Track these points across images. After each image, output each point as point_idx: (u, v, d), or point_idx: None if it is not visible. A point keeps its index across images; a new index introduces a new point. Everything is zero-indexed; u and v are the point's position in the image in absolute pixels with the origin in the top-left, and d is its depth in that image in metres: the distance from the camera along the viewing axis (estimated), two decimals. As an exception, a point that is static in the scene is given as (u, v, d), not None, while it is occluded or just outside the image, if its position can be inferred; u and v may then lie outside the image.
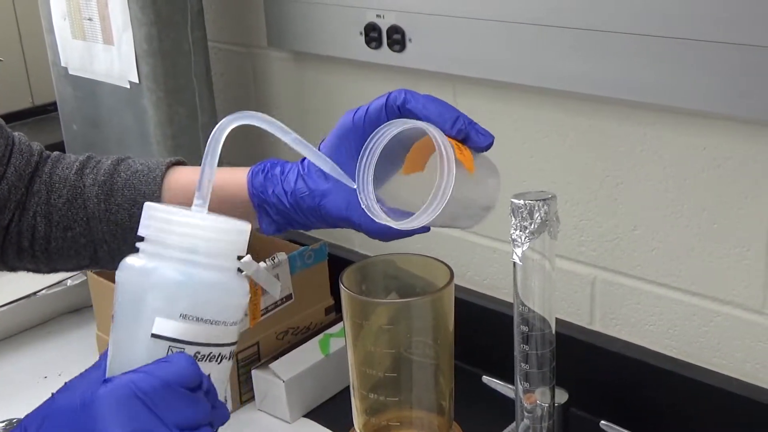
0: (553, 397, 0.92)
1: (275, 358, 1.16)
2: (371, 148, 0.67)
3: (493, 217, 1.15)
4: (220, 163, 0.62)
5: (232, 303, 0.59)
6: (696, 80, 0.92)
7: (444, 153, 0.64)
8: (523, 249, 0.84)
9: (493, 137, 0.72)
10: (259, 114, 0.61)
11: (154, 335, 0.56)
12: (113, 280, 1.16)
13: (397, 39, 1.16)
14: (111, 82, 1.36)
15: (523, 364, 0.90)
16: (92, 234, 0.86)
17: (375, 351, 0.68)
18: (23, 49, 1.77)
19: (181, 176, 0.86)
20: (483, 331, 1.18)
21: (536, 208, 0.83)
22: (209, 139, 0.60)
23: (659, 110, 0.99)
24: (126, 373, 0.55)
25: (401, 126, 0.66)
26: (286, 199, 0.77)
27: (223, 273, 0.58)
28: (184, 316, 0.56)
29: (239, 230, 0.59)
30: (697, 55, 0.91)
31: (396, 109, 0.71)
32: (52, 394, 0.58)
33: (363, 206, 0.67)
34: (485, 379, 1.11)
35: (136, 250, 0.80)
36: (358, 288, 0.70)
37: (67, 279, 1.41)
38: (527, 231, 0.84)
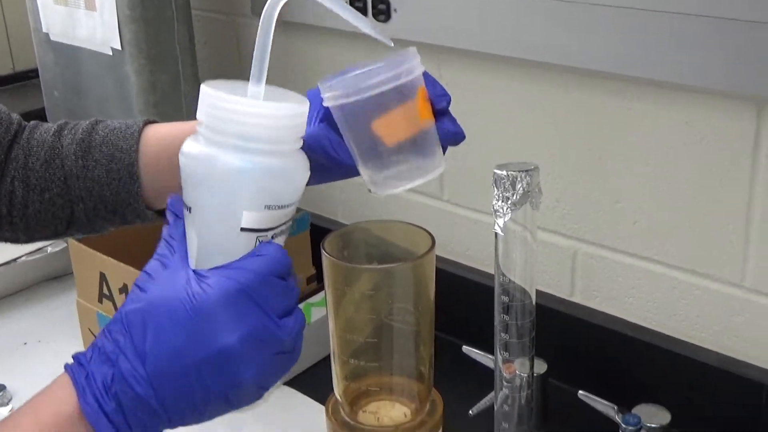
0: (532, 367, 0.93)
1: (256, 326, 1.16)
2: None
3: (476, 188, 1.15)
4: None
5: (302, 184, 0.60)
6: (681, 54, 0.92)
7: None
8: (505, 220, 0.85)
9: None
10: None
11: (243, 229, 0.57)
12: (94, 247, 1.17)
13: (382, 9, 1.16)
14: (93, 49, 1.35)
15: (503, 334, 0.90)
16: (69, 193, 0.86)
17: (356, 317, 0.68)
18: (4, 15, 1.76)
19: (160, 130, 0.86)
20: (464, 302, 1.18)
21: (519, 178, 0.84)
22: (262, 16, 0.58)
23: (644, 84, 0.99)
24: (222, 268, 0.56)
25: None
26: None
27: (293, 157, 0.59)
28: (268, 207, 0.57)
29: (304, 111, 0.59)
30: (683, 29, 0.91)
31: None
32: (136, 285, 0.58)
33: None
34: (465, 349, 1.11)
35: (112, 213, 0.79)
36: (340, 254, 0.70)
37: (47, 246, 1.40)
38: (509, 202, 0.84)
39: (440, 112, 0.67)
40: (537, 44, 1.04)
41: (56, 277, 1.45)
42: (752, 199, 0.95)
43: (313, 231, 1.28)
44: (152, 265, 0.59)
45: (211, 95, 0.57)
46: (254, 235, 0.58)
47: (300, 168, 0.60)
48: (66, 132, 0.87)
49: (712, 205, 0.98)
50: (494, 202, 0.85)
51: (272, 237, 0.59)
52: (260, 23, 0.59)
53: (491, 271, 1.19)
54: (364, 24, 0.65)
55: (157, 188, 0.86)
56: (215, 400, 0.56)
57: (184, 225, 0.60)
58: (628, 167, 1.04)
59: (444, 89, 0.68)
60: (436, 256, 0.74)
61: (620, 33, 0.96)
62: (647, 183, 1.03)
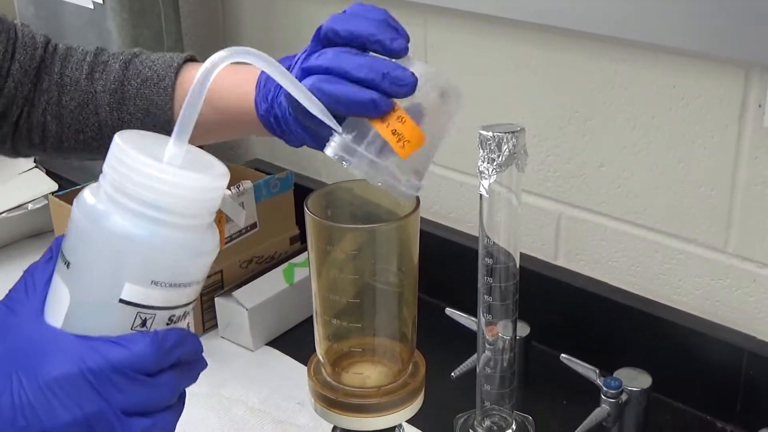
0: (515, 330, 0.93)
1: (239, 286, 1.15)
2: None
3: (461, 151, 1.14)
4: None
5: (206, 262, 0.55)
6: (669, 16, 0.91)
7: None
8: (490, 181, 0.84)
9: (411, 79, 0.65)
10: (252, 50, 0.56)
11: (122, 300, 0.52)
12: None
13: (368, -34, 1.14)
14: (74, 2, 1.32)
15: (486, 296, 0.90)
16: (104, 139, 0.86)
17: (339, 277, 0.67)
18: (-17, -34, 1.72)
19: (190, 81, 0.84)
20: (447, 264, 1.18)
21: (504, 140, 0.83)
22: (194, 82, 0.54)
23: (631, 46, 0.98)
24: (79, 341, 0.51)
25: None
26: (309, 140, 0.73)
27: (199, 233, 0.54)
28: (156, 283, 0.52)
29: (218, 186, 0.54)
30: (672, -10, 0.90)
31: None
32: None
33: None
34: (448, 311, 1.11)
35: None
36: (324, 213, 0.69)
37: (28, 203, 1.39)
38: (495, 163, 0.84)
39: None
40: (525, 5, 1.02)
41: (37, 234, 1.43)
42: (737, 165, 0.95)
43: (297, 190, 1.28)
44: (14, 293, 0.54)
45: (120, 149, 0.51)
46: (134, 310, 0.52)
47: (202, 247, 0.54)
48: (98, 75, 0.86)
49: (696, 169, 0.98)
50: (479, 164, 0.84)
51: (171, 320, 0.54)
52: (193, 84, 0.54)
53: (475, 233, 1.19)
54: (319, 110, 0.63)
55: (194, 140, 0.85)
56: None
57: (54, 268, 0.54)
58: (614, 130, 1.03)
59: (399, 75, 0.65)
60: (421, 218, 0.74)
61: (609, -6, 0.95)
62: (632, 146, 1.02)
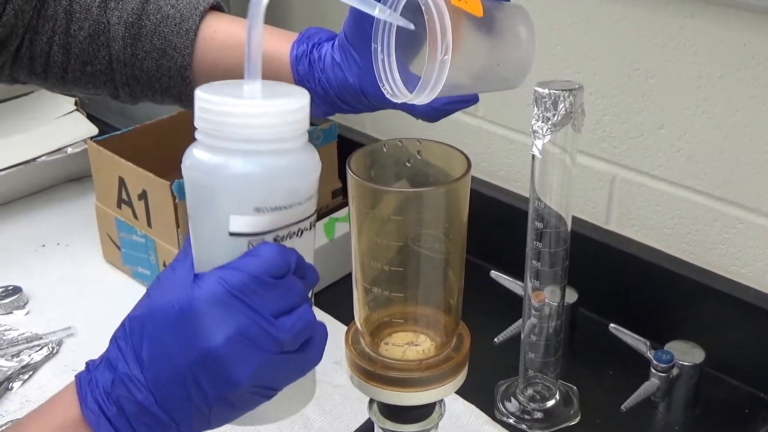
0: (563, 297, 0.89)
1: (278, 240, 1.12)
2: (383, 37, 0.61)
3: (512, 106, 1.09)
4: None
5: (305, 181, 0.56)
6: (743, -31, 0.85)
7: (433, 10, 0.57)
8: (544, 141, 0.80)
9: None
10: None
11: (232, 233, 0.54)
12: (114, 151, 1.13)
13: None
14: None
15: (534, 262, 0.86)
16: (113, 74, 0.82)
17: (382, 242, 0.63)
18: None
19: (218, 27, 0.80)
20: (494, 224, 1.14)
21: (561, 98, 0.78)
22: (249, 7, 0.54)
23: (699, 0, 0.92)
24: (216, 270, 0.54)
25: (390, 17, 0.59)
26: (332, 91, 0.73)
27: (290, 155, 0.55)
28: (258, 209, 0.54)
29: (301, 106, 0.55)
30: (748, -59, 0.84)
31: None
32: (147, 290, 0.57)
33: (388, 95, 0.62)
34: (493, 274, 1.08)
35: (159, 96, 0.79)
36: (367, 174, 0.65)
37: (67, 147, 1.37)
38: (549, 122, 0.79)
39: None
40: (587, -46, 0.97)
41: (77, 179, 1.41)
42: (809, 131, 0.89)
43: (340, 142, 1.24)
44: (165, 270, 0.57)
45: (203, 100, 0.53)
46: (245, 239, 0.55)
47: (298, 166, 0.55)
48: (113, 5, 0.81)
49: (763, 135, 0.92)
50: (533, 122, 0.80)
51: (278, 239, 0.56)
52: (249, 12, 0.54)
53: (524, 193, 1.14)
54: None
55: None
56: (216, 404, 0.54)
57: None
58: (676, 90, 0.97)
59: None
60: (467, 175, 0.70)
61: (679, -56, 0.89)
62: (695, 107, 0.97)
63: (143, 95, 0.84)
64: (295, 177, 0.55)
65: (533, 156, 0.82)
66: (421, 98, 0.60)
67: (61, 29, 0.81)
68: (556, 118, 0.78)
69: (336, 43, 0.72)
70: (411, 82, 0.61)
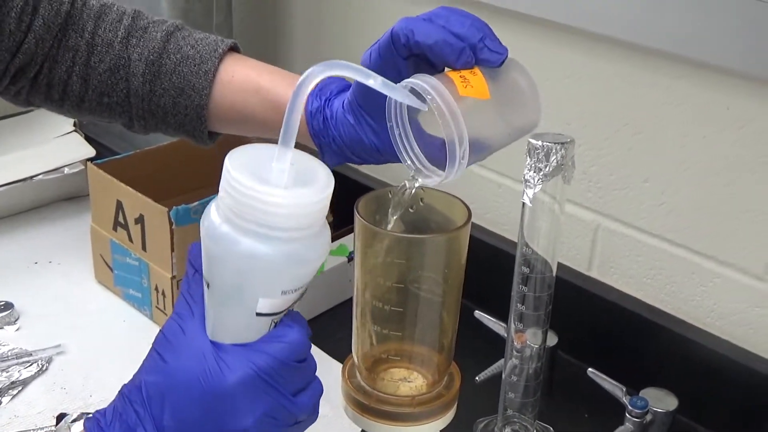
0: (545, 340, 0.92)
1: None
2: (401, 133, 0.65)
3: (502, 152, 1.12)
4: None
5: (320, 263, 0.58)
6: (730, 38, 0.89)
7: (445, 111, 0.61)
8: (535, 191, 0.83)
9: (505, 51, 0.68)
10: (345, 62, 0.56)
11: (259, 314, 0.56)
12: (113, 174, 1.16)
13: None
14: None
15: (519, 305, 0.89)
16: (130, 108, 0.84)
17: (383, 283, 0.66)
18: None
19: (236, 71, 0.82)
20: (478, 265, 1.16)
21: (553, 150, 0.82)
22: (292, 95, 0.54)
23: (688, 63, 0.96)
24: (241, 348, 0.56)
25: (405, 99, 0.61)
26: (347, 149, 0.74)
27: (315, 238, 0.56)
28: (284, 292, 0.56)
29: (325, 195, 0.55)
30: (737, 10, 0.88)
31: (403, 46, 0.65)
32: (155, 349, 0.57)
33: (411, 171, 0.66)
34: (477, 314, 1.10)
35: (172, 131, 0.82)
36: (372, 218, 0.68)
37: (64, 167, 1.39)
38: (541, 173, 0.82)
39: None
40: (583, 11, 1.01)
41: (72, 197, 1.44)
42: (786, 193, 0.93)
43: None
44: (171, 327, 0.58)
45: (233, 177, 0.53)
46: (269, 318, 0.57)
47: (318, 250, 0.56)
48: (135, 41, 0.83)
49: (743, 194, 0.96)
50: (526, 172, 0.83)
51: (293, 307, 0.59)
52: (291, 98, 0.55)
53: (509, 236, 1.18)
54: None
55: (225, 127, 0.84)
56: None
57: (203, 282, 0.58)
58: (662, 146, 1.02)
59: (498, 44, 0.69)
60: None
61: (672, 9, 0.93)
62: (679, 165, 1.01)
63: (157, 128, 0.86)
64: (320, 259, 0.57)
65: (523, 204, 0.85)
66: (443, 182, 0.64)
67: (82, 60, 0.83)
68: (547, 169, 0.82)
69: (346, 103, 0.73)
70: (430, 148, 0.64)
